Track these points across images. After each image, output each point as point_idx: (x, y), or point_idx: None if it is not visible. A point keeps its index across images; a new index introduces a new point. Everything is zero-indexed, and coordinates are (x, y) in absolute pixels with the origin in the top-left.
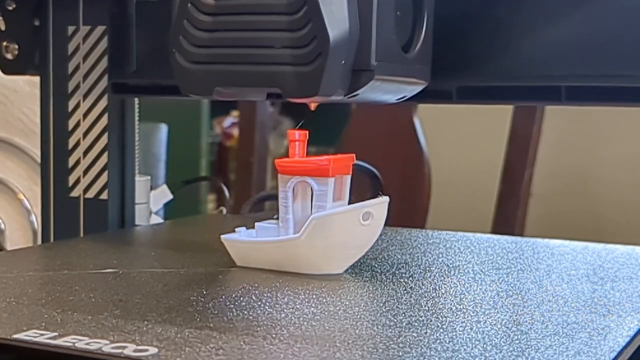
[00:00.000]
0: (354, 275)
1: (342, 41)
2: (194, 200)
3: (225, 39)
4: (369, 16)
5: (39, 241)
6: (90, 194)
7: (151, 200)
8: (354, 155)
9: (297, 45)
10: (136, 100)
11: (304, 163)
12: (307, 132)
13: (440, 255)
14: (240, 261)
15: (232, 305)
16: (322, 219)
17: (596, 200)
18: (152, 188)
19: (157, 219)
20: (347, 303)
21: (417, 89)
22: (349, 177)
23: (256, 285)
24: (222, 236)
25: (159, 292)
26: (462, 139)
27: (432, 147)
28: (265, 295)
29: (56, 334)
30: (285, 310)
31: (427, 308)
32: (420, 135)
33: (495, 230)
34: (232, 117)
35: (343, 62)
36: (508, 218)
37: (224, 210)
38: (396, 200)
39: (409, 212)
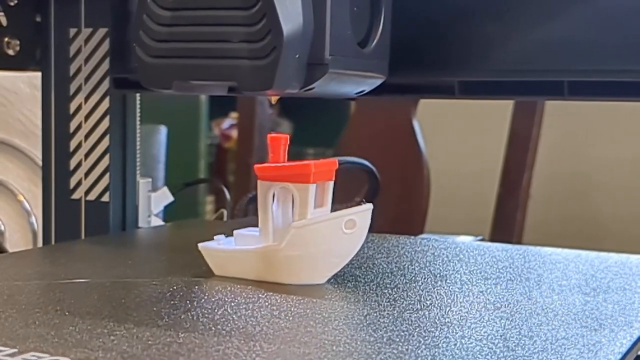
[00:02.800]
0: (336, 285)
1: (296, 35)
2: (192, 202)
3: (184, 33)
4: (323, 11)
5: (40, 243)
6: (92, 197)
7: (152, 202)
8: (336, 160)
9: (253, 39)
10: (138, 102)
11: (284, 169)
12: (288, 136)
13: (428, 264)
14: (219, 270)
15: (205, 319)
16: (302, 227)
17: (596, 204)
18: (152, 190)
19: (157, 221)
20: (326, 316)
21: (376, 82)
22: (331, 183)
23: (232, 296)
24: (199, 244)
25: (130, 304)
26: (461, 141)
27: (432, 150)
28: (242, 307)
29: (15, 350)
30: (261, 324)
31: (409, 322)
32: (420, 138)
33: (494, 233)
34: (231, 119)
35: (297, 56)
36: (507, 220)
37: (225, 213)
38: (395, 202)
39: (407, 215)
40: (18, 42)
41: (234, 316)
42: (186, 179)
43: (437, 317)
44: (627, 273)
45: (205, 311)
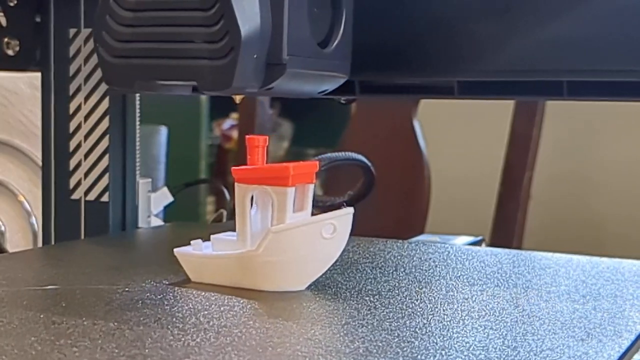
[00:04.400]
0: (316, 292)
1: (253, 36)
2: (193, 202)
3: (145, 33)
4: (280, 12)
5: (40, 243)
6: (92, 197)
7: (152, 202)
8: (317, 162)
9: (212, 40)
10: (137, 103)
11: (262, 171)
12: (267, 137)
13: (413, 270)
14: (195, 276)
15: (175, 329)
16: (280, 232)
17: (596, 205)
18: (152, 190)
19: (157, 222)
20: (303, 325)
21: (339, 82)
22: (311, 186)
23: (207, 304)
24: (175, 249)
25: (99, 313)
26: (462, 141)
27: (432, 150)
28: (215, 316)
29: None
30: (233, 334)
31: (389, 331)
32: (420, 138)
33: (494, 234)
34: (232, 120)
35: (255, 56)
36: (508, 221)
37: (224, 213)
38: (395, 203)
39: (408, 216)
40: (18, 43)
41: (205, 325)
42: (186, 179)
43: (418, 326)
44: (619, 279)
45: (176, 320)
